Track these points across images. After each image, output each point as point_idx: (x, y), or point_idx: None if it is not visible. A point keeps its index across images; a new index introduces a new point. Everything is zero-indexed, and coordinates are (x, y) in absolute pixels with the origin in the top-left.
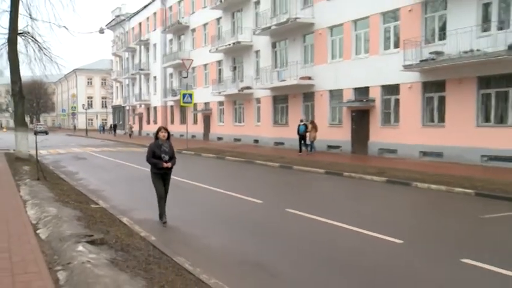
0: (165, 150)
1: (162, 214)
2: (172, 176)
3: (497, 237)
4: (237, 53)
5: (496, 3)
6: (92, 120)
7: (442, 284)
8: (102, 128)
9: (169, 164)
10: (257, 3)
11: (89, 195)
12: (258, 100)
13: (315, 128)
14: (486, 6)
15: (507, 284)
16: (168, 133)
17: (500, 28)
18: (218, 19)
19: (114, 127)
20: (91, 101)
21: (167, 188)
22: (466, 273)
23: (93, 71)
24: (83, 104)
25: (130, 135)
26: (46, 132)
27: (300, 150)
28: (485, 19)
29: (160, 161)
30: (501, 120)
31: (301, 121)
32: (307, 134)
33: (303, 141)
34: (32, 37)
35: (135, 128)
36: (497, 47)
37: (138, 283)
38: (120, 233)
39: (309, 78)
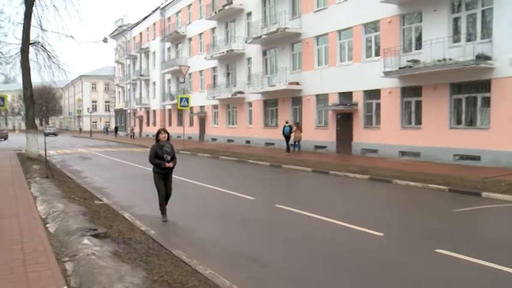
0: (167, 150)
1: (163, 212)
2: None
3: (467, 229)
4: (230, 60)
5: (465, 17)
6: (96, 122)
7: (419, 272)
8: (106, 130)
9: (171, 164)
10: (249, 14)
11: (93, 192)
12: (250, 104)
13: (299, 129)
14: (456, 20)
15: (475, 271)
16: (168, 134)
17: (468, 40)
18: (213, 29)
19: (115, 129)
20: (95, 105)
21: (170, 187)
22: (439, 262)
23: (97, 77)
24: (88, 108)
25: (132, 136)
26: (55, 134)
27: (288, 150)
28: (456, 31)
29: (163, 161)
30: (471, 122)
31: (287, 122)
32: (292, 134)
33: (288, 141)
34: (42, 46)
35: (136, 129)
36: (466, 56)
37: (138, 274)
38: (122, 227)
39: (297, 83)
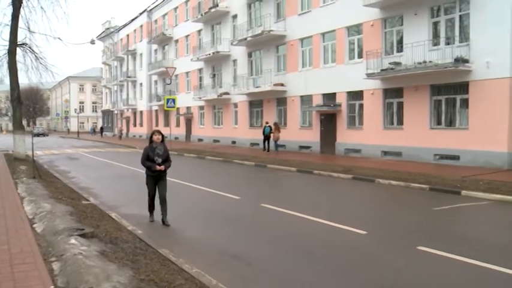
0: (159, 153)
1: (151, 212)
2: None
3: (448, 227)
4: (216, 62)
5: (444, 22)
6: (83, 123)
7: (401, 268)
8: (93, 131)
9: (162, 167)
10: (234, 17)
11: (80, 192)
12: (235, 105)
13: (278, 129)
14: (435, 24)
15: (455, 267)
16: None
17: (447, 43)
18: (199, 31)
19: (101, 130)
20: (82, 106)
21: (164, 190)
22: (421, 259)
23: (84, 78)
24: (75, 109)
25: (120, 137)
26: (45, 134)
27: (267, 149)
28: (435, 35)
29: (154, 164)
30: (450, 123)
31: (267, 123)
32: (271, 134)
33: (267, 141)
34: (30, 48)
35: (124, 130)
36: (445, 59)
37: (125, 273)
38: (109, 227)
39: (282, 84)
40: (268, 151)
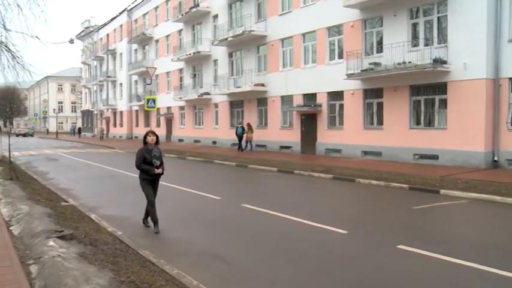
0: (156, 155)
1: (155, 222)
2: (134, 175)
3: (427, 226)
4: (196, 62)
5: (422, 23)
6: (62, 123)
7: (380, 267)
8: (73, 131)
9: (160, 170)
10: (215, 17)
11: (59, 193)
12: (216, 105)
13: (250, 129)
14: (415, 26)
15: (435, 265)
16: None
17: (426, 44)
18: (179, 31)
19: (79, 130)
20: (61, 106)
21: (156, 193)
22: (401, 258)
23: (63, 78)
24: (54, 109)
25: (101, 137)
26: (28, 135)
27: (240, 149)
28: (414, 36)
29: (152, 167)
30: (429, 123)
31: (240, 124)
32: (244, 135)
33: (240, 141)
34: (6, 47)
35: (105, 130)
36: (424, 60)
37: (105, 275)
38: (88, 228)
39: (263, 85)
40: (242, 151)
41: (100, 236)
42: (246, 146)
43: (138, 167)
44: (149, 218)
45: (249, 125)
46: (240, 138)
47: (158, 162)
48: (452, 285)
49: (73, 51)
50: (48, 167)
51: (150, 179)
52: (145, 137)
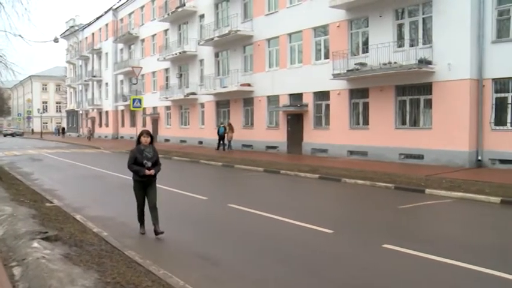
0: (148, 156)
1: (142, 223)
2: (120, 175)
3: (412, 225)
4: (183, 62)
5: (408, 24)
6: (46, 123)
7: (366, 266)
8: (58, 131)
9: (152, 172)
10: (202, 16)
11: (44, 194)
12: (202, 105)
13: (231, 129)
14: (400, 26)
15: (420, 264)
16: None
17: (411, 45)
18: (166, 30)
19: (63, 130)
20: (46, 106)
21: (154, 197)
22: (386, 257)
23: (48, 78)
24: (38, 109)
25: (89, 137)
26: (15, 134)
27: (218, 148)
28: (400, 37)
29: (143, 168)
30: (414, 123)
31: (221, 123)
32: (226, 134)
33: (222, 141)
34: None
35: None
36: (409, 60)
37: (91, 276)
38: (73, 229)
39: (249, 85)
40: (223, 150)
41: (85, 237)
42: (228, 145)
43: (129, 167)
44: (147, 221)
45: (230, 124)
46: (221, 137)
47: (149, 164)
48: (438, 283)
49: (58, 51)
50: (33, 168)
51: (141, 181)
52: (139, 137)
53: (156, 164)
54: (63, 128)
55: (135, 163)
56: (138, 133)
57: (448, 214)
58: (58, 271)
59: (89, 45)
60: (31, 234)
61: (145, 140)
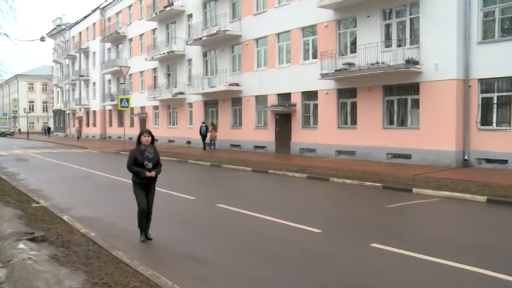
0: (149, 156)
1: (142, 229)
2: (108, 175)
3: (400, 224)
4: (171, 61)
5: (395, 24)
6: (33, 123)
7: (355, 266)
8: (44, 131)
9: (153, 173)
10: (190, 16)
11: (30, 194)
12: (190, 105)
13: (214, 129)
14: (388, 27)
15: (407, 263)
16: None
17: (399, 45)
18: (154, 30)
19: (48, 130)
20: (32, 105)
21: (151, 202)
22: (374, 256)
23: (34, 77)
24: (24, 108)
25: (78, 137)
26: (4, 134)
27: (204, 148)
28: (388, 37)
29: (143, 170)
30: (402, 123)
31: (203, 123)
32: (208, 134)
33: (205, 140)
34: None
35: (74, 130)
36: (397, 60)
37: (78, 277)
38: (60, 230)
39: (237, 84)
40: (204, 149)
41: (72, 238)
42: (211, 145)
43: (129, 169)
44: (143, 235)
45: (213, 124)
46: (203, 137)
47: (150, 165)
48: (425, 282)
49: (44, 50)
50: (19, 168)
51: (142, 183)
52: (139, 136)
53: (157, 165)
54: (49, 128)
55: (135, 164)
56: (139, 132)
57: (435, 213)
58: (45, 272)
59: (76, 44)
60: (17, 235)
61: (146, 139)
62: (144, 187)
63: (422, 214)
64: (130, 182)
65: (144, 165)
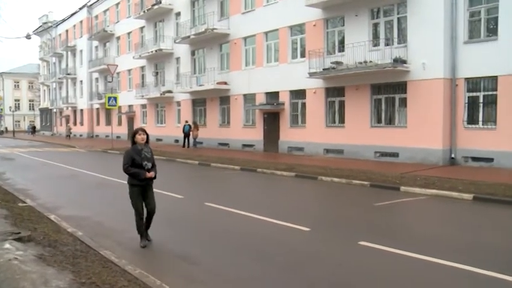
0: (147, 156)
1: (142, 234)
2: (95, 174)
3: (388, 222)
4: (159, 60)
5: (383, 23)
6: (19, 122)
7: (343, 263)
8: (30, 130)
9: (152, 174)
10: (178, 14)
11: (16, 194)
12: (179, 103)
13: (196, 127)
14: (375, 26)
15: (395, 260)
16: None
17: (386, 44)
18: (141, 28)
19: (33, 128)
20: (18, 104)
21: (153, 202)
22: (362, 254)
23: (20, 75)
24: (10, 107)
25: (69, 136)
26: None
27: (184, 146)
28: (375, 36)
29: (142, 171)
30: (390, 121)
31: (186, 122)
32: (191, 132)
33: (187, 139)
34: None
35: (62, 129)
36: (385, 59)
37: (65, 276)
38: (47, 229)
39: (225, 83)
40: (188, 147)
41: (59, 237)
42: (194, 143)
43: (126, 171)
44: (143, 240)
45: (195, 123)
46: (187, 135)
47: (150, 165)
48: (412, 279)
49: (30, 47)
50: (5, 167)
51: (140, 185)
52: (133, 135)
53: (153, 166)
54: (34, 127)
55: (133, 165)
56: (132, 131)
57: (422, 211)
58: (31, 272)
59: (62, 42)
60: (3, 235)
61: (141, 138)
62: (142, 189)
63: (410, 212)
64: (118, 181)
65: (142, 166)
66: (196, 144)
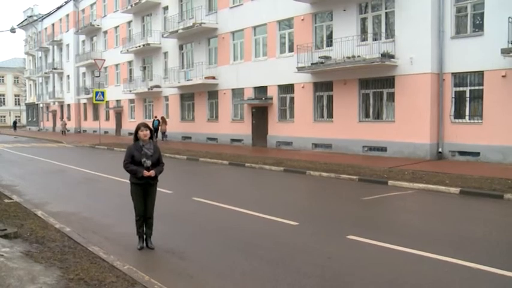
0: (147, 153)
1: (140, 236)
2: (83, 169)
3: (376, 215)
4: (146, 54)
5: (371, 18)
6: (4, 117)
7: (331, 257)
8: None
9: (151, 173)
10: (165, 8)
11: (2, 190)
12: (167, 98)
13: (164, 122)
14: (363, 20)
15: (383, 254)
16: (151, 131)
17: (374, 39)
18: (129, 22)
19: (14, 124)
20: (3, 99)
21: (152, 204)
22: (350, 247)
23: (5, 69)
24: None
25: (64, 132)
26: None
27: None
28: (363, 31)
29: (141, 168)
30: (378, 116)
31: (155, 117)
32: (160, 127)
33: (156, 133)
34: None
35: (49, 124)
36: (372, 54)
37: (53, 273)
38: (34, 225)
39: (213, 78)
40: (156, 140)
41: (47, 233)
42: (163, 137)
43: (125, 167)
44: (141, 242)
45: (163, 118)
46: (155, 130)
47: (149, 163)
48: (400, 272)
49: (15, 41)
50: None
51: (140, 184)
52: (136, 131)
53: (157, 163)
54: (15, 122)
55: (132, 162)
56: (135, 127)
57: (410, 205)
58: (18, 269)
59: (48, 36)
60: None
61: (144, 134)
62: (143, 188)
63: (397, 206)
64: (106, 176)
65: (141, 163)
66: (164, 137)
